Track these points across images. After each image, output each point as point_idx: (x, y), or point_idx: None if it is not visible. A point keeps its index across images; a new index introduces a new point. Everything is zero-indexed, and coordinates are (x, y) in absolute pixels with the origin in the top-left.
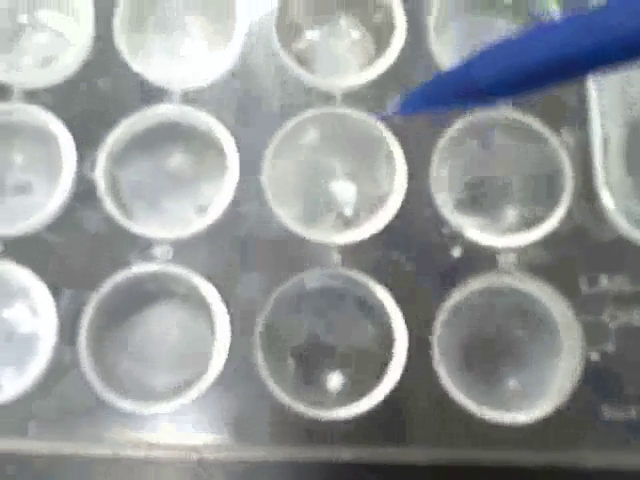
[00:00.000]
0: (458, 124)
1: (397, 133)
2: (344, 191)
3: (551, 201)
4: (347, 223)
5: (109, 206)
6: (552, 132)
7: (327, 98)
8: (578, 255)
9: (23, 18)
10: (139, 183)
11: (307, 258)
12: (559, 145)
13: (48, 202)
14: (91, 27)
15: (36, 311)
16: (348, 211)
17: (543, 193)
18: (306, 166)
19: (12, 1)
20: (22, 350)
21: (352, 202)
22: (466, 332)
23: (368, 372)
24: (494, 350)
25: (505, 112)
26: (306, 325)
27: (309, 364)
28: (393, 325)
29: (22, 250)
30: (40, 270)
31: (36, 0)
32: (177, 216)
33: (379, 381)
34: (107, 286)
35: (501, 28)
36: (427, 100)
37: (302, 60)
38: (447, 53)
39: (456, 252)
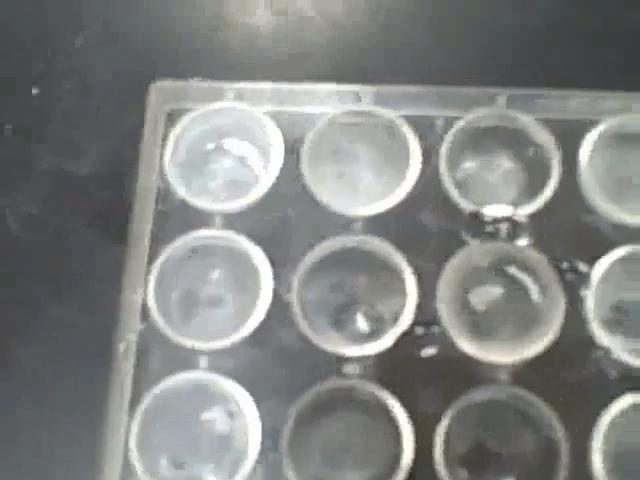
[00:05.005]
0: None
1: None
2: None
3: None
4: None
5: (303, 326)
6: None
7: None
8: None
9: (211, 145)
10: (324, 300)
11: (475, 374)
12: None
13: (246, 319)
14: (280, 160)
15: (239, 415)
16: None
17: None
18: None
19: (201, 130)
20: (224, 449)
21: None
22: (622, 442)
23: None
24: None
25: None
26: (477, 435)
27: (479, 471)
28: (555, 436)
29: (225, 361)
30: (241, 381)
31: (226, 129)
32: (357, 329)
33: None
34: (303, 397)
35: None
36: None
37: None
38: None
39: (608, 373)
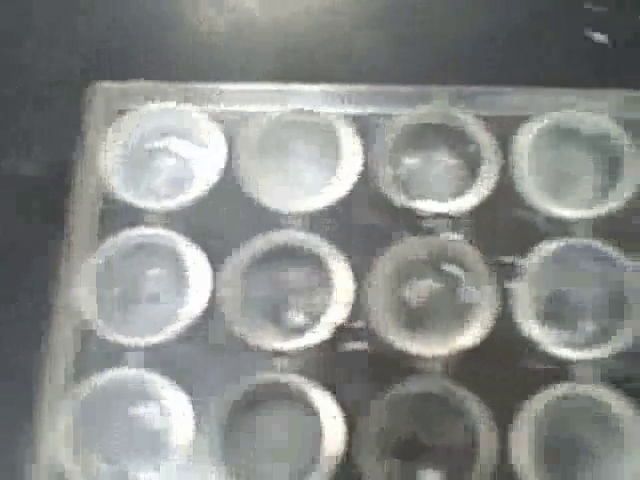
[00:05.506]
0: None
1: None
2: None
3: (624, 317)
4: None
5: (235, 321)
6: (623, 256)
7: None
8: None
9: (155, 144)
10: (260, 297)
11: (406, 367)
12: (629, 268)
13: (180, 316)
14: (221, 159)
15: (170, 410)
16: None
17: (616, 310)
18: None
19: (146, 129)
20: (156, 444)
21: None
22: (545, 434)
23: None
24: (569, 451)
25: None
26: (407, 427)
27: (408, 461)
28: (481, 428)
29: (157, 358)
30: (173, 376)
31: (168, 128)
32: (293, 324)
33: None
34: (233, 391)
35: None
36: None
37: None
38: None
39: (537, 365)
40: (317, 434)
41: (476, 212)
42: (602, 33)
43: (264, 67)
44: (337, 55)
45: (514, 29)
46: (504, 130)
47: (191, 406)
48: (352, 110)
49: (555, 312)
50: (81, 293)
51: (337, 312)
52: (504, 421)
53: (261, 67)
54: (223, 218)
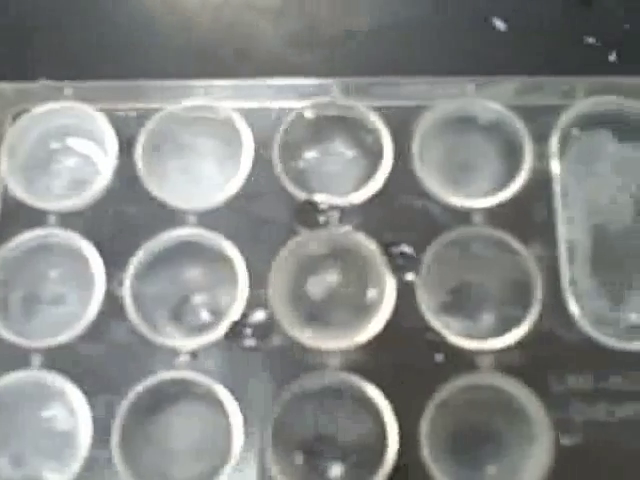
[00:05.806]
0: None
1: None
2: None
3: (525, 305)
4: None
5: (136, 320)
6: (522, 244)
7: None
8: (548, 356)
9: (54, 144)
10: (161, 294)
11: (308, 362)
12: (528, 256)
13: (81, 316)
14: (115, 157)
15: (73, 412)
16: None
17: (517, 298)
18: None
19: (44, 129)
20: (61, 445)
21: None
22: (450, 425)
23: (366, 462)
24: (475, 440)
25: (481, 229)
26: (311, 421)
27: (314, 456)
28: (385, 420)
29: (59, 359)
30: (75, 377)
31: (66, 128)
32: (194, 321)
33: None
34: (135, 391)
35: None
36: None
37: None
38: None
39: (439, 356)
40: (225, 432)
41: (375, 203)
42: (503, 21)
43: (164, 64)
44: (237, 50)
45: (417, 18)
46: (405, 120)
47: (95, 407)
48: (250, 104)
49: (457, 302)
50: None
51: (239, 309)
52: (411, 414)
53: (161, 64)
54: (125, 217)
